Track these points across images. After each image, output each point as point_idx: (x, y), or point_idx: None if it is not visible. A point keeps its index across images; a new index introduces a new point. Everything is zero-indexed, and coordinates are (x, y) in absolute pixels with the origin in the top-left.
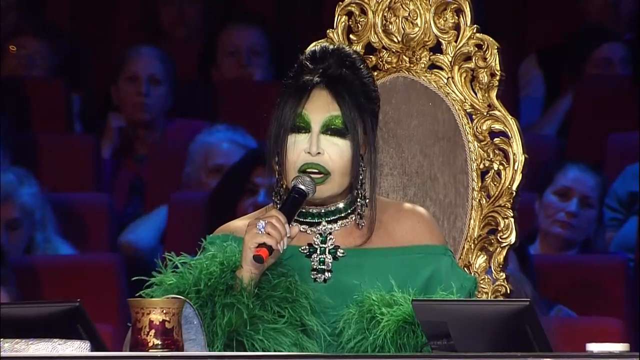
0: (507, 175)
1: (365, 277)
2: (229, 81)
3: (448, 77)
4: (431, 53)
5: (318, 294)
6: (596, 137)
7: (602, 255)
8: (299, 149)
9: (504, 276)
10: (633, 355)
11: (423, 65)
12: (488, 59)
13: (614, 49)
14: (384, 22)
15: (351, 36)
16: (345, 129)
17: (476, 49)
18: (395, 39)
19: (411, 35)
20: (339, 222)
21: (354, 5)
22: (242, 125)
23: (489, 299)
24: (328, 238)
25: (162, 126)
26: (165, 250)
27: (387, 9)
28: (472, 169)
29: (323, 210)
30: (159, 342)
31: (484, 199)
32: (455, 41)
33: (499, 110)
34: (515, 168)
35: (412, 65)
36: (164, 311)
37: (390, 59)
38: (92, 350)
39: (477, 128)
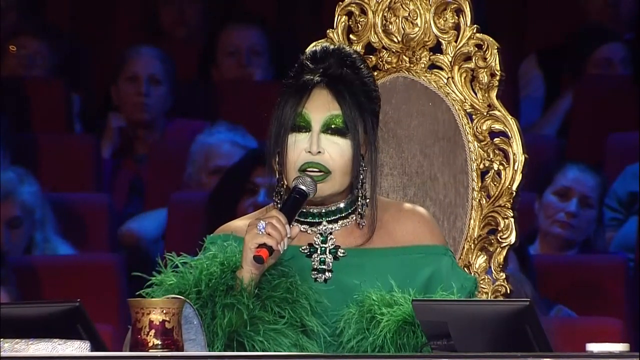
0: (507, 175)
1: (366, 277)
2: (229, 81)
3: (448, 77)
4: (431, 53)
5: (318, 295)
6: (596, 137)
7: (602, 255)
8: (299, 148)
9: (504, 276)
10: (633, 355)
11: (423, 65)
12: (488, 59)
13: (614, 49)
14: (384, 22)
15: (351, 36)
16: (345, 128)
17: (476, 49)
18: (395, 39)
19: (411, 35)
20: (340, 222)
21: (354, 5)
22: (242, 125)
23: (489, 299)
24: (328, 238)
25: (162, 126)
26: (165, 248)
27: (387, 9)
28: (472, 169)
29: (324, 210)
30: (159, 342)
31: (484, 199)
32: (455, 41)
33: (499, 110)
34: (515, 168)
35: (412, 65)
36: (164, 311)
37: (390, 59)
38: (92, 350)
39: (477, 128)
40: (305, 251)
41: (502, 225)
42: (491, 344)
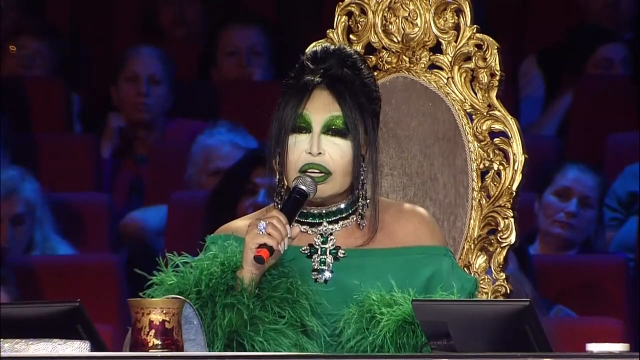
0: (507, 175)
1: (366, 277)
2: (229, 81)
3: (448, 77)
4: (431, 53)
5: (318, 296)
6: (596, 137)
7: (602, 255)
8: (299, 149)
9: (504, 276)
10: (633, 355)
11: (423, 65)
12: (488, 59)
13: (614, 49)
14: (384, 22)
15: (351, 36)
16: (346, 129)
17: (476, 49)
18: (395, 39)
19: (411, 35)
20: (340, 223)
21: (354, 5)
22: (242, 126)
23: (489, 299)
24: (329, 238)
25: (162, 126)
26: (166, 248)
27: (387, 9)
28: (472, 169)
29: (324, 211)
30: (159, 342)
31: (484, 199)
32: (455, 41)
33: (499, 111)
34: (515, 168)
35: (412, 65)
36: (164, 311)
37: (390, 59)
38: (92, 350)
39: (477, 128)
40: (306, 252)
41: (502, 225)
42: (491, 344)
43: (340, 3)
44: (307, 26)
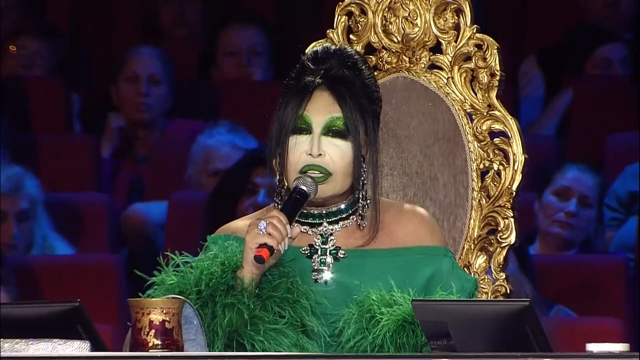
0: (507, 175)
1: (366, 277)
2: (229, 81)
3: (448, 77)
4: (431, 53)
5: (319, 296)
6: (596, 137)
7: (602, 255)
8: (300, 150)
9: (504, 276)
10: (633, 355)
11: (423, 65)
12: (488, 59)
13: (614, 49)
14: (384, 22)
15: (351, 36)
16: (346, 131)
17: (476, 49)
18: (395, 39)
19: (411, 36)
20: (340, 223)
21: (354, 5)
22: (242, 126)
23: (489, 299)
24: (329, 239)
25: (162, 126)
26: (166, 247)
27: (387, 9)
28: (472, 169)
29: (324, 211)
30: (159, 342)
31: (483, 199)
32: (455, 41)
33: (499, 111)
34: (515, 168)
35: (412, 65)
36: (164, 311)
37: (390, 59)
38: (92, 350)
39: (477, 128)
40: (306, 252)
41: (502, 225)
42: (491, 344)
43: (340, 3)
44: (307, 26)
